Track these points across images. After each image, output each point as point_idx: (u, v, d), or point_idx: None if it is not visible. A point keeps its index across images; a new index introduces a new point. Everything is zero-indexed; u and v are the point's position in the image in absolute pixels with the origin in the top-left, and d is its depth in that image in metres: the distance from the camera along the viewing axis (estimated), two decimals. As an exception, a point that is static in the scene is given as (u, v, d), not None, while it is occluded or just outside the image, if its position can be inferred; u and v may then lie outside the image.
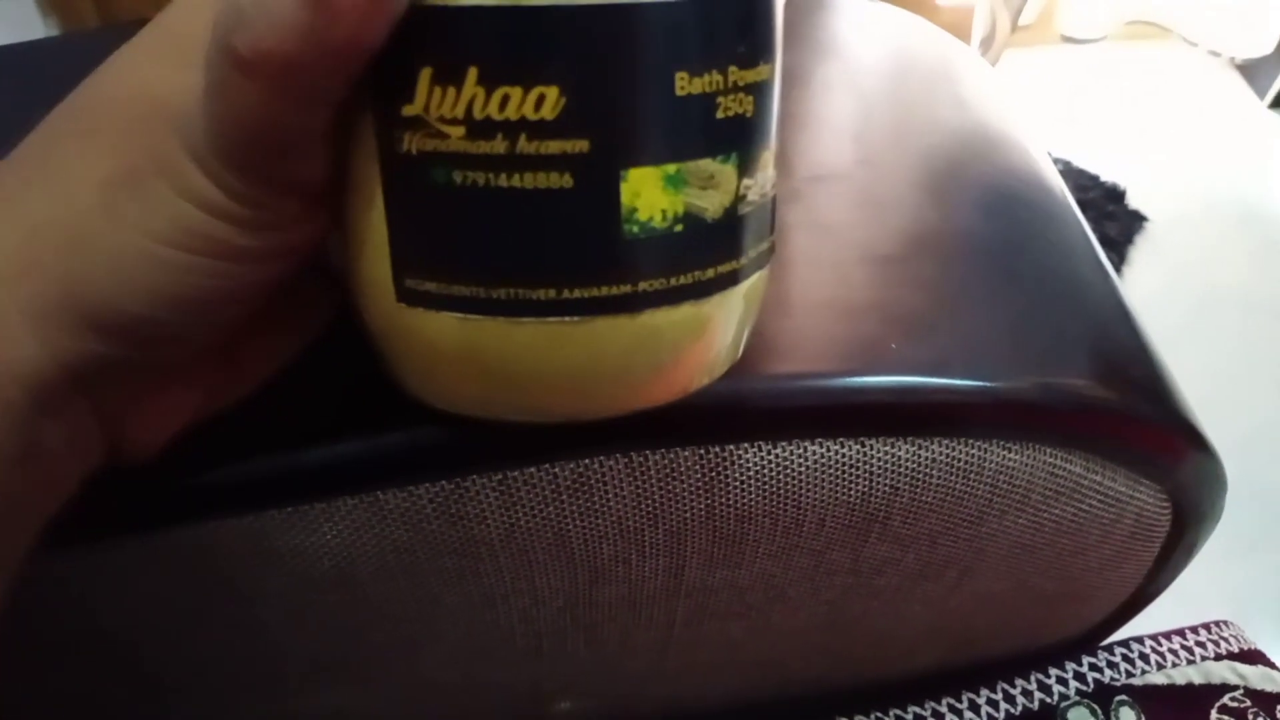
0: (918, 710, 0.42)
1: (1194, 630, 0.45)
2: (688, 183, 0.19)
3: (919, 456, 0.29)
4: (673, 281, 0.19)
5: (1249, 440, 1.07)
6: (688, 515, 0.29)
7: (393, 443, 0.26)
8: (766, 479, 0.28)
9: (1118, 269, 1.19)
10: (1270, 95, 1.63)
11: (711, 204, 0.19)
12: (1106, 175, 1.48)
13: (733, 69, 0.19)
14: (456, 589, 0.30)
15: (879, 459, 0.29)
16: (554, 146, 0.18)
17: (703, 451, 0.28)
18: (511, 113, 0.17)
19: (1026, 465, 0.30)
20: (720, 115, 0.19)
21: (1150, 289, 1.32)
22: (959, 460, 0.29)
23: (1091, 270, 0.35)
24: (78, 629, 0.30)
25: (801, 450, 0.28)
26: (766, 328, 0.29)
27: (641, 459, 0.27)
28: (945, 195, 0.34)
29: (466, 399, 0.22)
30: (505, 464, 0.27)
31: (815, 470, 0.28)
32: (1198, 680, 0.43)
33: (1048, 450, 0.30)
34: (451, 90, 0.17)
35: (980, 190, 0.35)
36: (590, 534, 0.29)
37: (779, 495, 0.29)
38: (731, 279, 0.21)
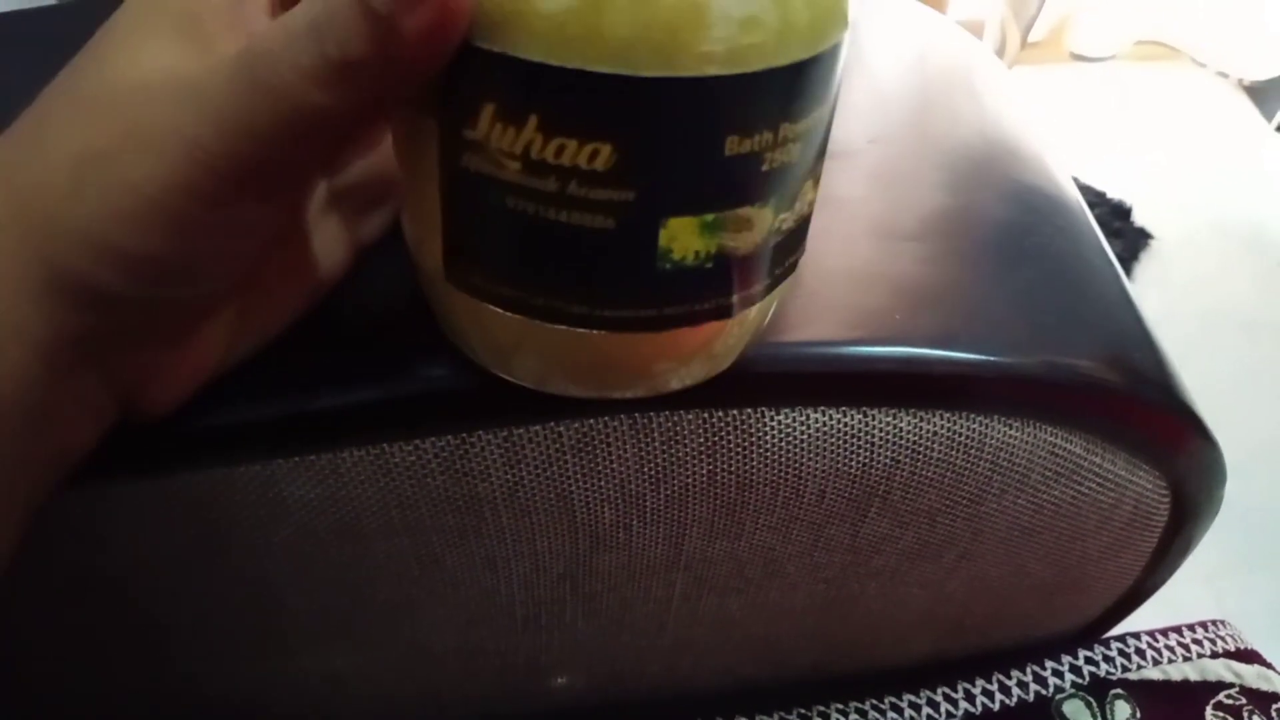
0: (912, 698, 0.43)
1: (1191, 628, 0.45)
2: (724, 228, 0.20)
3: (920, 429, 0.29)
4: (698, 307, 0.21)
5: (1250, 460, 1.08)
6: (690, 480, 0.29)
7: (399, 394, 0.26)
8: (769, 445, 0.28)
9: (1122, 284, 1.19)
10: (1278, 118, 1.63)
11: (744, 244, 0.20)
12: (1113, 192, 1.48)
13: (785, 126, 0.19)
14: (458, 549, 0.30)
15: (881, 430, 0.29)
16: (601, 194, 0.19)
17: (706, 415, 0.28)
18: (566, 160, 0.18)
19: (1027, 443, 0.31)
20: (766, 168, 0.19)
21: (1154, 307, 1.31)
22: (960, 435, 0.30)
23: (1097, 257, 0.35)
24: (85, 573, 0.30)
25: (804, 418, 0.28)
26: (773, 296, 0.29)
27: (645, 420, 0.28)
28: (957, 177, 0.34)
29: (495, 367, 0.24)
30: (510, 421, 0.27)
31: (817, 439, 0.29)
32: (1194, 677, 0.43)
33: (1049, 429, 0.31)
34: (512, 129, 0.18)
35: (992, 174, 0.36)
36: (593, 496, 0.29)
37: (781, 463, 0.29)
38: (759, 296, 0.22)
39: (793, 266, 0.24)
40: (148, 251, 0.19)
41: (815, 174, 0.22)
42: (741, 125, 0.18)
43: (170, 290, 0.20)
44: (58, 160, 0.19)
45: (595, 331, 0.21)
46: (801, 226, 0.23)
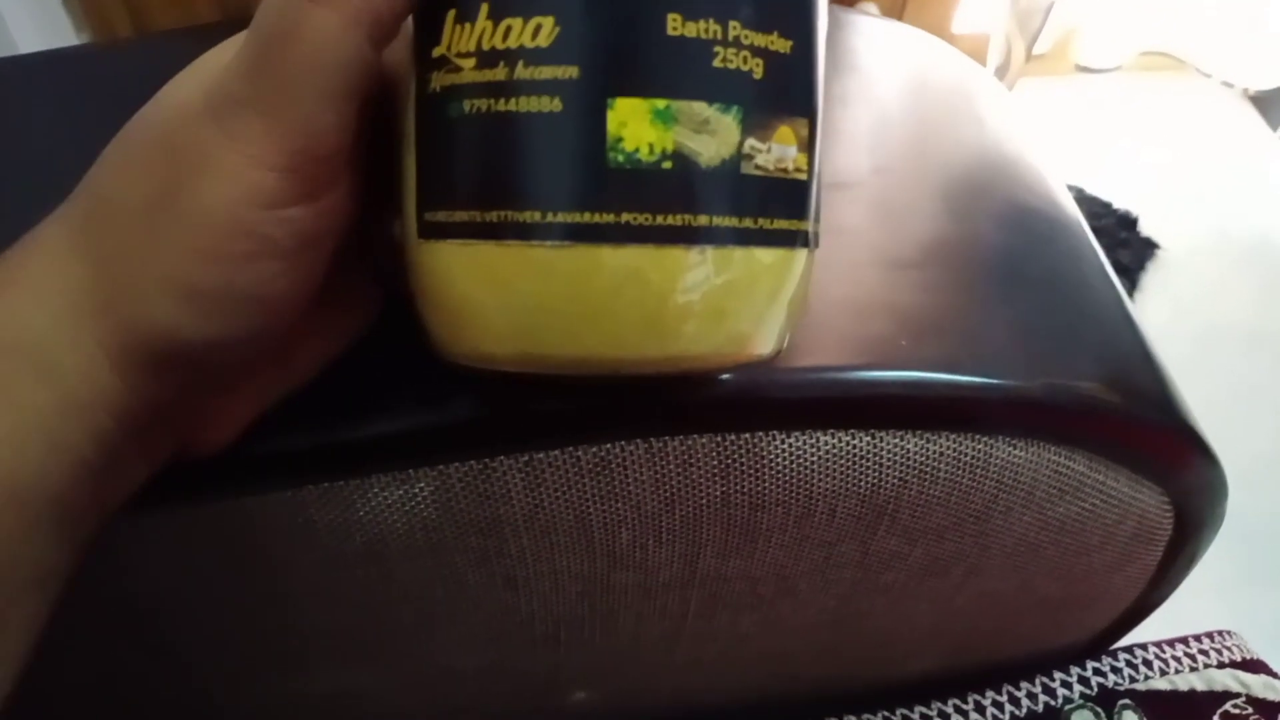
0: (924, 710, 0.43)
1: (1197, 638, 0.46)
2: (679, 121, 0.20)
3: (927, 450, 0.30)
4: (659, 219, 0.20)
5: (1256, 471, 1.08)
6: (704, 501, 0.30)
7: (425, 422, 0.27)
8: (780, 467, 0.29)
9: (1130, 296, 1.20)
10: (1284, 127, 1.64)
11: (706, 150, 0.20)
12: (1119, 203, 1.49)
13: (735, 24, 0.20)
14: (481, 569, 0.31)
15: (889, 451, 0.30)
16: (547, 72, 0.19)
17: (719, 439, 0.29)
18: (513, 41, 0.19)
19: (1031, 462, 0.31)
20: (718, 64, 0.20)
21: (1160, 318, 1.32)
22: (966, 455, 0.31)
23: (1099, 279, 0.36)
24: (107, 598, 0.31)
25: (814, 440, 0.29)
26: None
27: (660, 444, 0.29)
28: (958, 204, 0.35)
29: (476, 346, 0.22)
30: (531, 445, 0.28)
31: (827, 460, 0.30)
32: (1200, 687, 0.44)
33: (1052, 448, 0.31)
34: (468, 26, 0.20)
35: (992, 200, 0.37)
36: (610, 517, 0.30)
37: (792, 484, 0.30)
38: (731, 236, 0.21)
39: (793, 238, 0.22)
40: (223, 282, 0.20)
41: (802, 129, 0.21)
42: (684, 4, 0.19)
43: (242, 326, 0.21)
44: (131, 217, 0.20)
45: (552, 249, 0.20)
46: (796, 187, 0.22)
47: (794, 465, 0.30)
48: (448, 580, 0.32)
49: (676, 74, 0.20)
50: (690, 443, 0.29)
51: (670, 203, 0.20)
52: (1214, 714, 0.43)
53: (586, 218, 0.20)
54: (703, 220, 0.20)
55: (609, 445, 0.28)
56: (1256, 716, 0.43)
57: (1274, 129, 1.66)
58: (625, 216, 0.20)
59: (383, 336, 0.27)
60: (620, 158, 0.19)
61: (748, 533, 0.31)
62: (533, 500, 0.29)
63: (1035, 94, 1.68)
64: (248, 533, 0.29)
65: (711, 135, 0.20)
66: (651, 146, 0.20)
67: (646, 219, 0.20)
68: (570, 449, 0.28)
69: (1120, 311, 0.35)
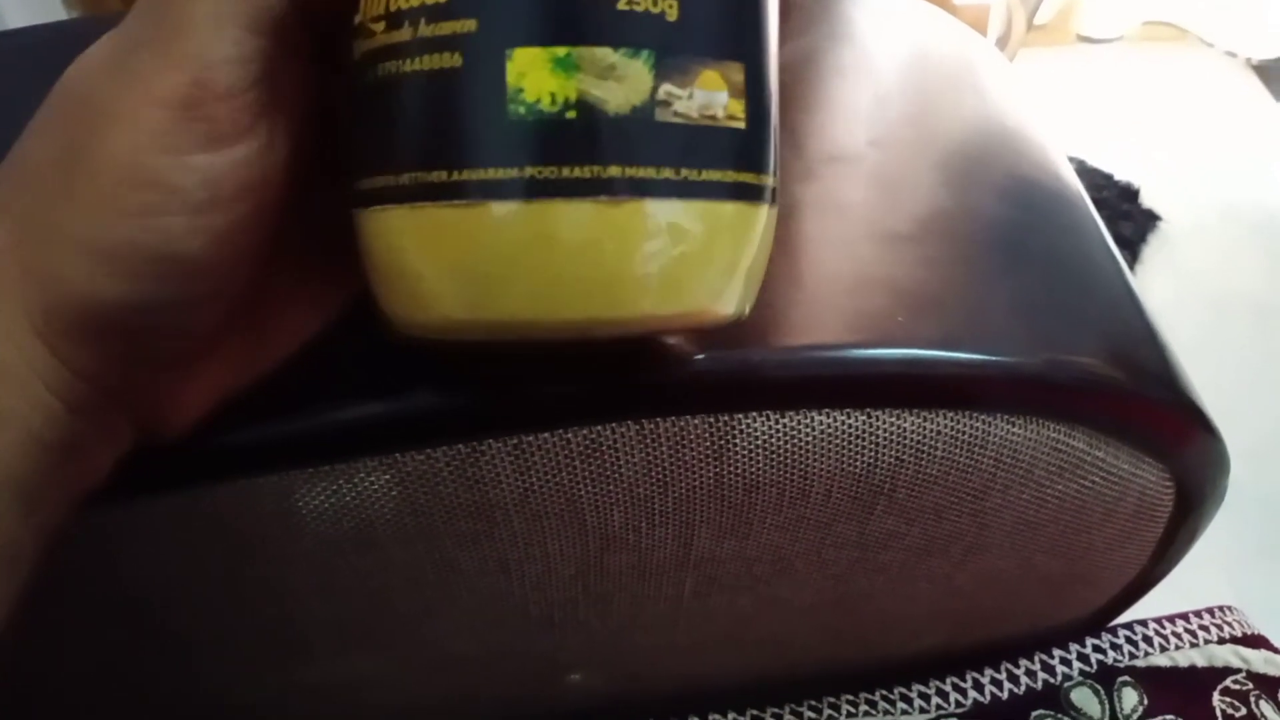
0: (922, 689, 0.43)
1: (1197, 614, 0.46)
2: (581, 68, 0.19)
3: (924, 429, 0.30)
4: (565, 171, 0.19)
5: (1261, 446, 1.07)
6: (696, 483, 0.30)
7: (411, 405, 0.27)
8: (774, 448, 0.29)
9: (1131, 269, 1.19)
10: (1287, 96, 1.63)
11: (613, 97, 0.19)
12: (1121, 175, 1.48)
13: None
14: (472, 553, 0.31)
15: (885, 430, 0.29)
16: (447, 28, 0.19)
17: (711, 420, 0.28)
18: (415, 0, 0.19)
19: (1030, 440, 0.31)
20: (623, 7, 0.19)
21: (1163, 291, 1.32)
22: (963, 433, 0.30)
23: (1100, 254, 0.35)
24: (106, 592, 0.31)
25: (809, 420, 0.29)
26: (775, 300, 0.29)
27: (652, 426, 0.28)
28: (957, 177, 0.35)
29: (414, 315, 0.22)
30: (519, 428, 0.27)
31: (822, 440, 0.29)
32: (1200, 663, 0.44)
33: (1051, 426, 0.31)
34: None
35: (992, 173, 0.36)
36: (601, 500, 0.29)
37: (786, 464, 0.29)
38: (648, 188, 0.20)
39: (730, 190, 0.21)
40: (129, 238, 0.20)
41: (728, 73, 0.20)
42: None
43: (158, 289, 0.20)
44: (44, 176, 0.20)
45: (460, 208, 0.19)
46: (726, 134, 0.20)
47: (788, 446, 0.29)
48: (441, 565, 0.31)
49: (575, 19, 0.19)
50: (682, 424, 0.28)
51: (577, 154, 0.19)
52: (1214, 690, 0.43)
53: (491, 174, 0.19)
54: (614, 171, 0.19)
55: (599, 427, 0.28)
56: (1257, 692, 0.43)
57: (1277, 99, 1.65)
58: (530, 170, 0.19)
59: (365, 318, 0.27)
60: (522, 109, 0.19)
61: (742, 514, 0.31)
62: (523, 483, 0.28)
63: (1036, 65, 1.67)
64: (238, 520, 0.28)
65: (619, 82, 0.19)
66: (553, 96, 0.19)
67: (553, 172, 0.19)
68: (560, 431, 0.28)
69: (1122, 285, 0.35)
